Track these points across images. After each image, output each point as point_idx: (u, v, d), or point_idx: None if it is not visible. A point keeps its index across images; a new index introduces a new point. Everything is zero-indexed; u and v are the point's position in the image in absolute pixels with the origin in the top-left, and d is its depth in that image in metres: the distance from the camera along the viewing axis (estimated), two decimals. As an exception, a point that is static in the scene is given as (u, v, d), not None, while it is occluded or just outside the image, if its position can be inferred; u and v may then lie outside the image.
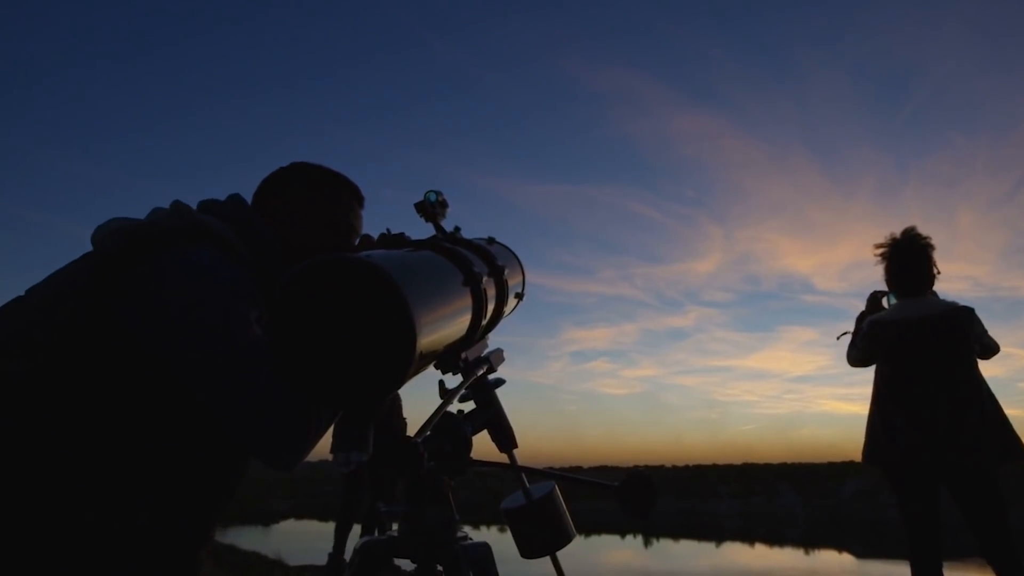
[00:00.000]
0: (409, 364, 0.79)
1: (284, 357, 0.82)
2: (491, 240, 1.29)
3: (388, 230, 1.08)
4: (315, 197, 1.31)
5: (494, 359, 1.14)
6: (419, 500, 1.01)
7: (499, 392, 1.14)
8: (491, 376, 1.13)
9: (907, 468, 2.98)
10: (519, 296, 1.29)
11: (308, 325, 0.81)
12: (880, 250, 3.23)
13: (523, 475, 1.09)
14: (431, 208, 1.19)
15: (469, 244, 1.16)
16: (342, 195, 1.34)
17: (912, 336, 3.03)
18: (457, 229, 1.23)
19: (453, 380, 1.07)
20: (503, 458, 1.10)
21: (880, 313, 3.20)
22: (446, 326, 0.93)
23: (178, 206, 1.13)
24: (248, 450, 1.02)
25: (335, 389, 0.81)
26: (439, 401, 1.02)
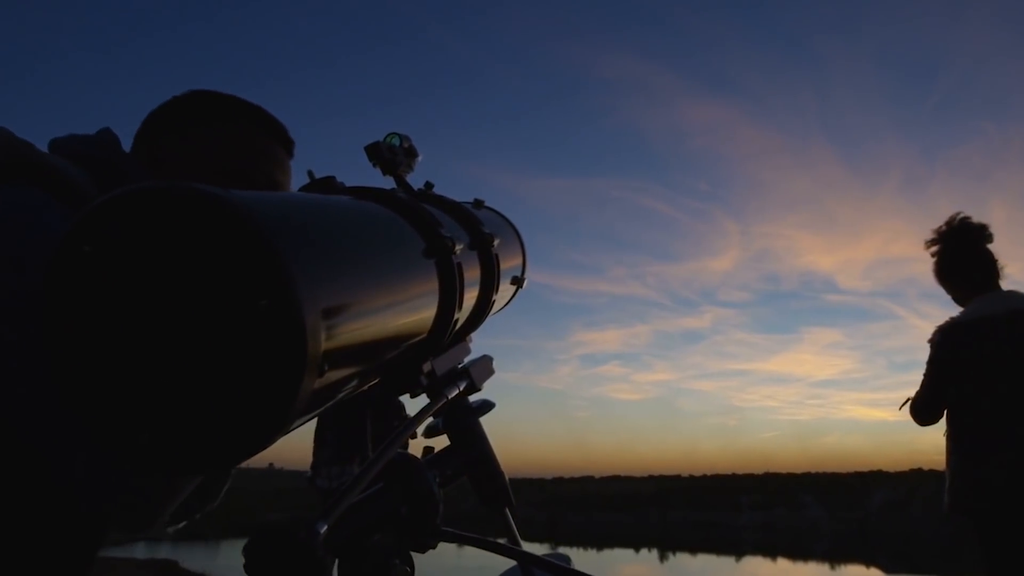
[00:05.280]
0: (296, 384, 0.41)
1: (66, 376, 0.44)
2: (479, 203, 0.92)
3: (311, 172, 0.71)
4: (226, 134, 0.94)
5: (477, 373, 0.75)
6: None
7: (488, 418, 0.77)
8: (472, 398, 0.76)
9: (999, 514, 2.54)
10: (517, 282, 0.92)
11: (114, 315, 0.43)
12: (933, 247, 2.86)
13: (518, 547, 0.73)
14: (390, 154, 0.82)
15: (441, 201, 0.79)
16: (262, 136, 0.97)
17: (1001, 336, 2.58)
18: (429, 185, 0.86)
19: (416, 404, 0.71)
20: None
21: (953, 316, 2.78)
22: (386, 319, 0.55)
23: (1, 133, 0.77)
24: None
25: (165, 436, 0.44)
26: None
